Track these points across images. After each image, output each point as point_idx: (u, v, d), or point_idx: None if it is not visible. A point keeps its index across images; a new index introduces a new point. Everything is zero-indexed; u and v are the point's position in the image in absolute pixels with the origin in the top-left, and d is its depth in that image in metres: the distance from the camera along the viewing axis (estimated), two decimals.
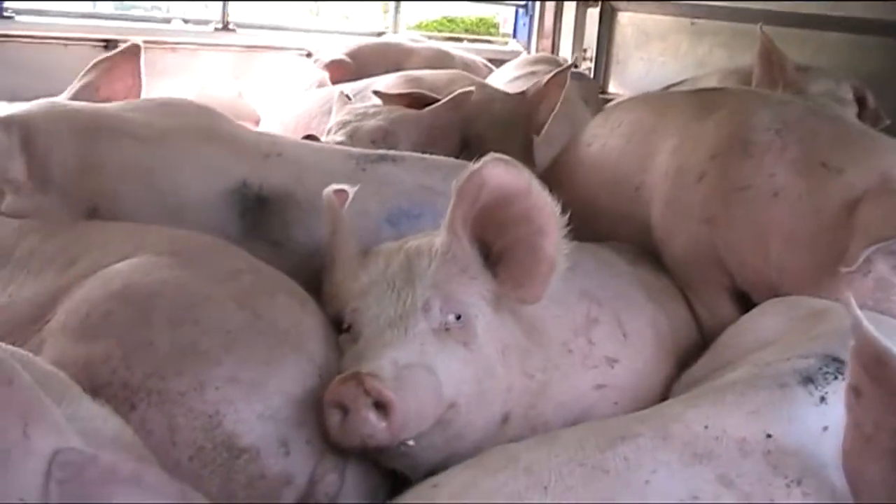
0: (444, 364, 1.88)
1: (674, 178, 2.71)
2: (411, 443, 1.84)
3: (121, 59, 3.30)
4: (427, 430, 1.86)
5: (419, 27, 14.44)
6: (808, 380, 1.82)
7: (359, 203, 2.34)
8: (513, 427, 2.05)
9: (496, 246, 2.03)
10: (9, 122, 2.56)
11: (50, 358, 1.82)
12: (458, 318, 1.95)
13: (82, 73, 3.29)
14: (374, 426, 1.75)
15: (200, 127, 2.73)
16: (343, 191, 2.24)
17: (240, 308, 1.93)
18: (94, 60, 3.31)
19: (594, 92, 6.31)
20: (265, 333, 1.91)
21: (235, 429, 1.78)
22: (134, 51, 3.29)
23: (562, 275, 2.03)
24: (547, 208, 1.96)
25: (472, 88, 3.82)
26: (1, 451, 1.26)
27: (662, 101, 3.36)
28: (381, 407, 1.75)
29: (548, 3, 7.83)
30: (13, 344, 1.76)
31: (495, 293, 2.02)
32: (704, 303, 2.64)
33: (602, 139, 3.13)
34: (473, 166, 1.94)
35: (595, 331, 2.25)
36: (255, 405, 1.80)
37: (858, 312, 1.37)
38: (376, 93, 4.07)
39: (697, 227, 2.62)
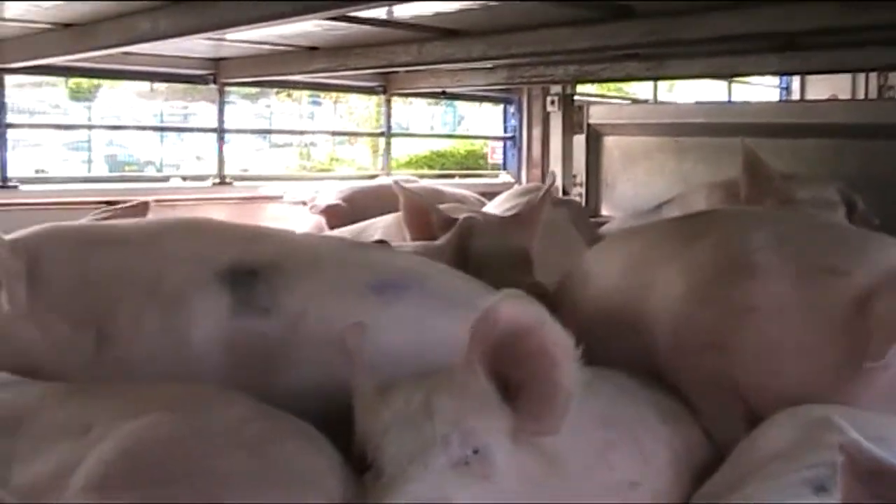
0: (463, 498, 1.91)
1: (676, 306, 2.70)
2: None
3: (127, 212, 3.40)
4: None
5: (409, 163, 14.66)
6: (820, 488, 1.83)
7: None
8: None
9: (513, 380, 2.06)
10: (18, 246, 2.63)
11: None
12: (476, 451, 1.96)
13: (88, 217, 3.38)
14: None
15: (188, 221, 2.84)
16: (359, 325, 2.30)
17: (250, 456, 1.97)
18: (103, 211, 3.40)
19: (584, 217, 6.41)
20: (282, 478, 1.94)
21: None
22: (142, 208, 3.38)
23: (578, 402, 2.05)
24: (560, 342, 2.00)
25: (475, 214, 3.92)
26: None
27: (653, 231, 3.37)
28: None
29: (535, 133, 8.03)
30: None
31: (514, 426, 2.04)
32: (716, 425, 2.59)
33: (596, 277, 3.13)
34: (487, 304, 2.00)
35: (614, 455, 2.26)
36: None
37: (846, 425, 1.38)
38: (395, 183, 4.30)
39: (706, 353, 2.60)
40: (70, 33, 4.87)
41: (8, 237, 2.65)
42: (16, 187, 5.69)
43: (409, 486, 1.88)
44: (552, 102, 7.94)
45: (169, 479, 1.90)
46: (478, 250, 3.72)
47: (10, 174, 5.78)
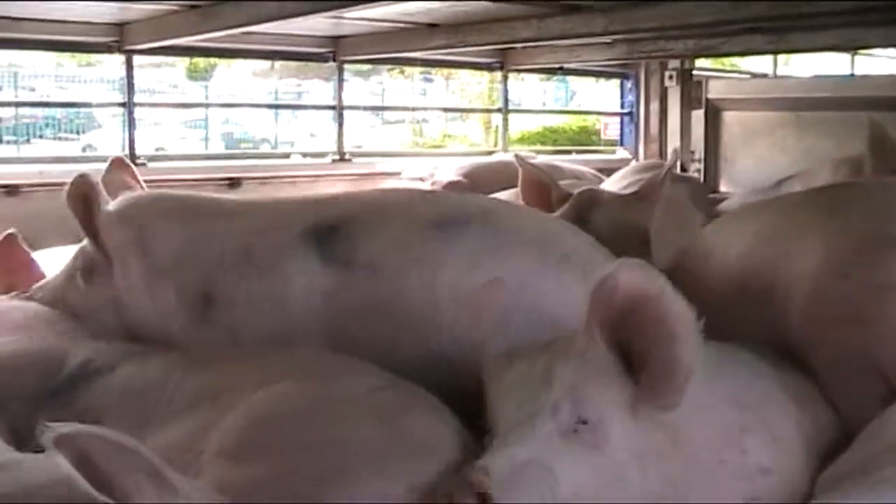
0: (564, 464, 1.88)
1: (814, 278, 2.62)
2: None
3: None
4: None
5: (521, 139, 14.66)
6: None
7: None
8: None
9: (634, 350, 2.02)
10: (125, 217, 2.73)
11: (210, 486, 1.92)
12: (586, 422, 1.94)
13: None
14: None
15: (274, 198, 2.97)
16: (499, 282, 2.35)
17: (381, 424, 1.99)
18: None
19: (703, 194, 6.33)
20: (407, 447, 1.96)
21: None
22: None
23: (705, 381, 2.00)
24: (681, 313, 1.95)
25: (591, 188, 3.91)
26: None
27: (787, 202, 3.30)
28: (482, 500, 1.77)
29: (652, 109, 7.96)
30: None
31: (634, 399, 2.00)
32: (849, 403, 2.55)
33: (723, 248, 3.09)
34: (606, 270, 1.96)
35: (746, 439, 2.18)
36: None
37: None
38: (517, 156, 4.32)
39: (845, 327, 2.51)
40: (196, 14, 4.98)
41: (113, 208, 2.73)
42: (144, 164, 5.84)
43: (512, 448, 1.87)
44: (670, 77, 7.84)
45: (299, 447, 1.94)
46: (596, 227, 3.69)
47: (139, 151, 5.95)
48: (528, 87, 18.53)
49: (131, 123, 5.97)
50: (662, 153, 7.72)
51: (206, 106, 20.54)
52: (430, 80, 21.55)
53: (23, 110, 19.10)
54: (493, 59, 7.56)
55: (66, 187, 2.64)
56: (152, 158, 6.12)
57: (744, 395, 2.27)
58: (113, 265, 2.70)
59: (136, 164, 5.70)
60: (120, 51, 5.77)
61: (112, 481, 1.42)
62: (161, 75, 20.75)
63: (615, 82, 8.72)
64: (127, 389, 2.37)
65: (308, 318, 2.59)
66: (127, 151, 5.92)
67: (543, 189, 4.03)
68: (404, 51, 6.41)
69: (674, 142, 7.72)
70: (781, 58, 11.78)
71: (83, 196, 2.63)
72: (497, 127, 10.99)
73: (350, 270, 2.58)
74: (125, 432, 2.18)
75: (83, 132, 20.70)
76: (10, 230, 3.00)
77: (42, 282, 3.00)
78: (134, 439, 1.49)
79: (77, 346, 2.59)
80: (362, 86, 19.66)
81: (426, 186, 5.99)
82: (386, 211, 2.72)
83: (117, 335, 2.70)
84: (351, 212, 2.72)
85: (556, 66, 7.81)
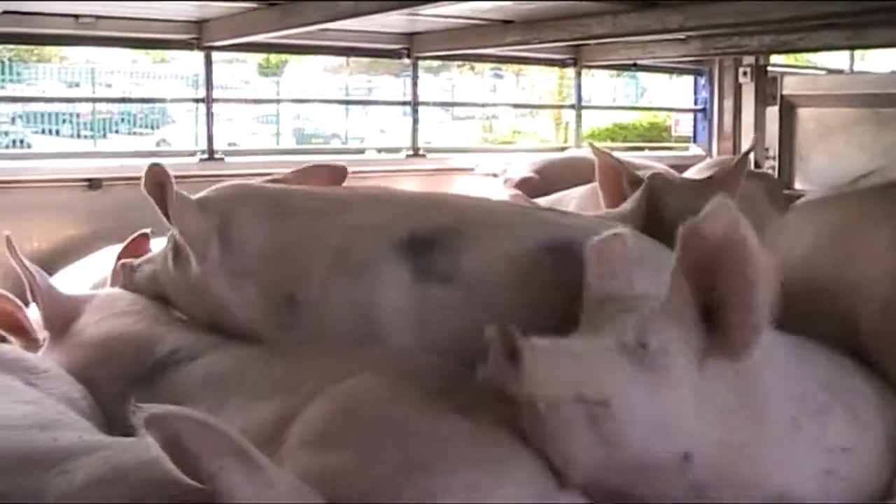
0: (603, 363, 1.89)
1: (889, 282, 2.50)
2: (542, 407, 1.83)
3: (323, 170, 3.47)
4: (570, 414, 1.86)
5: (591, 136, 14.58)
6: None
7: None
8: (697, 471, 1.98)
9: (714, 299, 1.98)
10: (207, 206, 2.70)
11: (292, 473, 1.96)
12: (646, 346, 1.93)
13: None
14: (503, 369, 1.78)
15: (371, 192, 2.90)
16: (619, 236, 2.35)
17: (461, 419, 1.99)
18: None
19: (779, 190, 6.26)
20: (490, 442, 1.95)
21: None
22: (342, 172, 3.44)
23: (788, 356, 2.06)
24: (761, 261, 1.93)
25: (662, 172, 3.90)
26: None
27: (861, 196, 3.22)
28: (514, 356, 1.76)
29: (726, 105, 7.90)
30: None
31: (704, 343, 1.97)
32: None
33: (791, 243, 3.01)
34: (700, 216, 1.98)
35: (830, 417, 2.15)
36: None
37: None
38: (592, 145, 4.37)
39: None
40: (274, 12, 5.05)
41: (196, 196, 2.72)
42: (222, 159, 5.95)
43: (565, 343, 1.91)
44: (745, 73, 7.77)
45: (384, 437, 1.95)
46: (669, 212, 3.65)
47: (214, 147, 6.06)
48: (597, 84, 18.47)
49: (210, 119, 6.06)
50: (736, 150, 7.64)
51: (280, 101, 20.80)
52: (500, 77, 21.58)
53: (99, 106, 19.51)
54: (567, 56, 7.54)
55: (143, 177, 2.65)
56: (229, 153, 6.21)
57: (827, 377, 2.25)
58: (190, 253, 2.70)
59: (213, 159, 5.88)
60: (199, 48, 5.86)
61: (199, 463, 1.44)
62: (233, 71, 21.01)
63: (688, 79, 8.66)
64: (208, 377, 2.42)
65: (395, 329, 2.57)
66: (205, 146, 6.05)
67: (617, 176, 4.02)
68: (478, 47, 6.43)
69: (747, 139, 7.64)
70: (857, 53, 11.63)
71: (159, 185, 2.63)
72: (567, 123, 10.97)
73: (446, 286, 2.56)
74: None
75: (157, 127, 21.08)
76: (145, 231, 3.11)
77: (148, 255, 3.06)
78: (221, 422, 1.50)
79: (167, 334, 2.66)
80: (432, 82, 19.73)
81: (498, 182, 6.01)
82: (490, 225, 2.70)
83: (202, 321, 2.74)
84: (452, 222, 2.68)
85: (630, 62, 7.80)
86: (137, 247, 3.10)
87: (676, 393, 1.93)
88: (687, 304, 1.98)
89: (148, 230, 3.19)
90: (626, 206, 3.75)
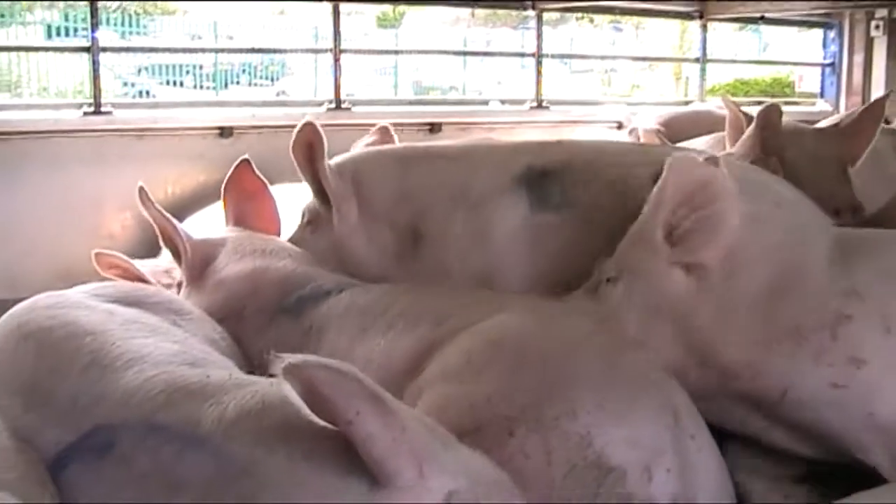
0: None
1: None
2: None
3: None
4: None
5: (712, 91, 14.34)
6: None
7: None
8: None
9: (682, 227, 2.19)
10: (342, 169, 2.93)
11: (431, 403, 2.02)
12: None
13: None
14: None
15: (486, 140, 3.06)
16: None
17: (600, 357, 2.07)
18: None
19: None
20: (626, 377, 2.04)
21: (605, 449, 1.88)
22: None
23: (813, 258, 2.18)
24: (730, 190, 2.12)
25: (777, 103, 3.90)
26: (399, 489, 1.47)
27: None
28: None
29: (856, 60, 7.74)
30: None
31: (668, 256, 2.21)
32: None
33: None
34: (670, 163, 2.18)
35: (844, 328, 2.10)
36: (622, 430, 1.91)
37: None
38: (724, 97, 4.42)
39: None
40: None
41: (332, 161, 2.92)
42: (349, 109, 6.07)
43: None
44: (877, 27, 7.59)
45: (524, 367, 2.03)
46: (790, 159, 3.57)
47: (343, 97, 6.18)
48: (718, 37, 18.12)
49: (337, 70, 6.17)
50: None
51: (406, 53, 20.88)
52: (619, 30, 21.34)
53: (221, 57, 19.81)
54: (693, 8, 7.46)
55: (291, 131, 2.82)
56: (356, 103, 6.32)
57: (863, 285, 2.16)
58: (332, 213, 2.89)
59: (341, 109, 6.00)
60: None
61: (336, 410, 1.48)
62: (351, 23, 21.18)
63: (815, 33, 8.49)
64: (351, 306, 2.52)
65: (510, 258, 2.69)
66: (325, 97, 6.17)
67: (741, 126, 4.00)
68: None
69: (877, 95, 7.47)
70: None
71: (308, 144, 2.81)
72: (687, 78, 10.83)
73: (561, 215, 2.68)
74: (344, 342, 2.41)
75: (277, 79, 21.32)
76: (244, 157, 3.18)
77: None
78: (356, 368, 1.53)
79: (311, 271, 2.78)
80: (550, 34, 19.59)
81: (623, 133, 6.02)
82: (601, 159, 2.81)
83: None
84: (566, 156, 2.82)
85: (758, 15, 7.68)
86: (241, 174, 3.17)
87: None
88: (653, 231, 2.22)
89: (246, 156, 3.27)
90: (739, 144, 3.72)
